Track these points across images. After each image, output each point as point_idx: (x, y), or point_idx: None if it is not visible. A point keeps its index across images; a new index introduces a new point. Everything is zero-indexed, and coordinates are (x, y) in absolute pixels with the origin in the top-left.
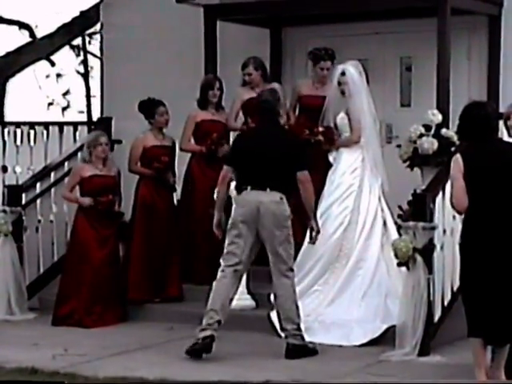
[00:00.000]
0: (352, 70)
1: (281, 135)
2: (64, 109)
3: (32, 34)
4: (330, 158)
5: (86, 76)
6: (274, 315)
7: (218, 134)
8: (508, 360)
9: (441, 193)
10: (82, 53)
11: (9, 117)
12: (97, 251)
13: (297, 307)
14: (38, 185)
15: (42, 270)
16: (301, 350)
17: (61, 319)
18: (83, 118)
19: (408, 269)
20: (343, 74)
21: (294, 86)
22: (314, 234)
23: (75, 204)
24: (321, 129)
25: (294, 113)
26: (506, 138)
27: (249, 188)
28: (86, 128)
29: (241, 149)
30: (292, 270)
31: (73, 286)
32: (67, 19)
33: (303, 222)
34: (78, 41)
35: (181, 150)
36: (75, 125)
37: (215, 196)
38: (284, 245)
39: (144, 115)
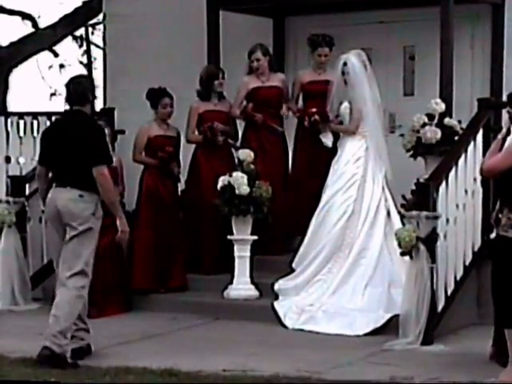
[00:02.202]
0: (353, 59)
1: (80, 127)
2: None
3: (35, 25)
4: (322, 139)
5: (89, 66)
6: (277, 305)
7: (217, 123)
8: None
9: (444, 182)
10: (84, 43)
11: (12, 107)
12: (98, 240)
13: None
14: None
15: (45, 261)
16: (56, 359)
17: None
18: None
19: (411, 258)
20: (345, 64)
21: (296, 77)
22: (121, 234)
23: None
24: (314, 109)
25: (296, 103)
26: None
27: (53, 185)
28: None
29: (45, 143)
30: (79, 273)
31: None
32: (70, 10)
33: (304, 214)
34: (80, 31)
35: (187, 142)
36: None
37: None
38: (77, 246)
39: (150, 104)
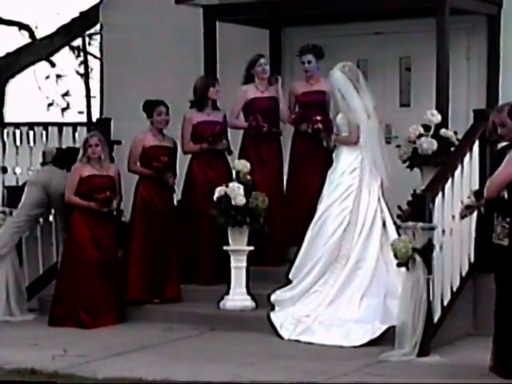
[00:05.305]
0: (337, 75)
1: None
2: (64, 110)
3: (32, 35)
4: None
5: (86, 77)
6: (274, 316)
7: (218, 130)
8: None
9: (440, 193)
10: (81, 54)
11: (8, 118)
12: (92, 251)
13: None
14: None
15: (41, 271)
16: None
17: (57, 319)
18: (83, 118)
19: (407, 269)
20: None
21: (290, 89)
22: None
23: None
24: (319, 117)
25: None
26: None
27: None
28: (85, 129)
29: None
30: None
31: (69, 285)
32: (67, 20)
33: (300, 224)
34: (77, 42)
35: (184, 153)
36: (74, 125)
37: (214, 197)
38: None
39: (146, 115)
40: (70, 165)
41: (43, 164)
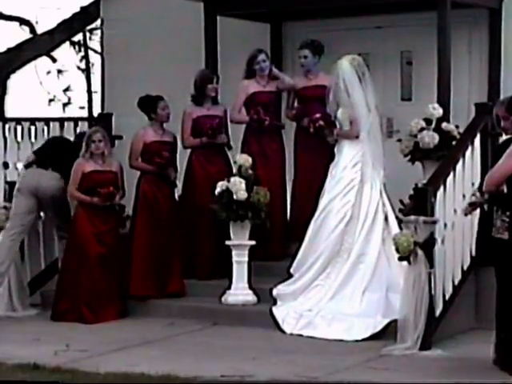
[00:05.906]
0: (345, 65)
1: None
2: (65, 105)
3: (32, 30)
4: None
5: (87, 72)
6: (275, 310)
7: (217, 122)
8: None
9: (442, 187)
10: (82, 49)
11: (10, 113)
12: (95, 246)
13: None
14: None
15: (43, 266)
16: None
17: (60, 314)
18: (84, 113)
19: (409, 263)
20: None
21: None
22: None
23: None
24: (318, 115)
25: (292, 110)
26: None
27: None
28: (86, 124)
29: None
30: None
31: (71, 281)
32: (68, 15)
33: (305, 219)
34: (78, 37)
35: (184, 147)
36: (76, 120)
37: (216, 191)
38: None
39: (144, 111)
40: (55, 162)
41: (27, 166)
